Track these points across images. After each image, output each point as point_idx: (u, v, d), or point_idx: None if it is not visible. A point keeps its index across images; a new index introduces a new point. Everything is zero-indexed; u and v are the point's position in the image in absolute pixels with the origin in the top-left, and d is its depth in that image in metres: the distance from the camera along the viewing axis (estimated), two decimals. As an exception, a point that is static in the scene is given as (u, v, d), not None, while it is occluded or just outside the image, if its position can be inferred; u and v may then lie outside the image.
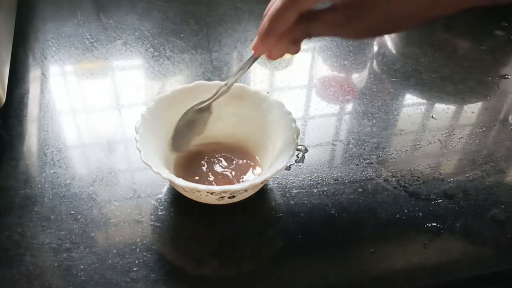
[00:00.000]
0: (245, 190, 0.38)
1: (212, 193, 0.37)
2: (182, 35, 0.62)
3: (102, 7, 0.67)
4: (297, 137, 0.39)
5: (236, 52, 0.60)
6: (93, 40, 0.61)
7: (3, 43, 0.51)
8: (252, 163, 0.43)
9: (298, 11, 0.33)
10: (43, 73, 0.55)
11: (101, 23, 0.64)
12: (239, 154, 0.44)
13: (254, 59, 0.37)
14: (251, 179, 0.41)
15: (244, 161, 0.43)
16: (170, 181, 0.37)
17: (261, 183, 0.37)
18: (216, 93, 0.40)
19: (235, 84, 0.43)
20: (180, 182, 0.36)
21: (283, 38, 0.34)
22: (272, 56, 0.36)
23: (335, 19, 0.33)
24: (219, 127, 0.44)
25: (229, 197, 0.38)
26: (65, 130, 0.48)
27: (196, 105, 0.41)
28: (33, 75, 0.55)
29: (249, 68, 0.38)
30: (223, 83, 0.40)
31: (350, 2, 0.33)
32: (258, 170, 0.43)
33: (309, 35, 0.34)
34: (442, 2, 0.33)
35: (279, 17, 0.33)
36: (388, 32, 0.36)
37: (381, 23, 0.33)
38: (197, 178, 0.41)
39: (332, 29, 0.34)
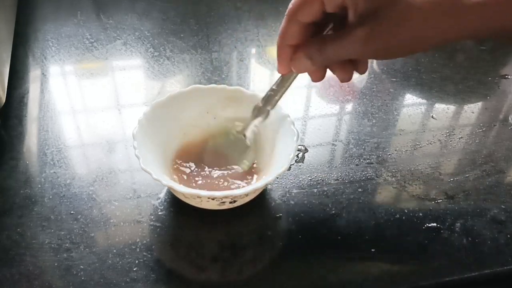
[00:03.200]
0: (246, 195, 0.38)
1: (213, 199, 0.37)
2: (182, 35, 0.62)
3: (102, 7, 0.67)
4: (297, 139, 0.39)
5: (236, 52, 0.60)
6: (93, 40, 0.61)
7: (3, 43, 0.51)
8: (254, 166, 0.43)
9: (299, 20, 0.33)
10: (43, 73, 0.55)
11: (101, 23, 0.64)
12: None
13: (283, 78, 0.38)
14: (253, 183, 0.41)
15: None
16: (170, 188, 0.37)
17: (263, 186, 0.37)
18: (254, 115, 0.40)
19: (232, 87, 0.43)
20: (181, 189, 0.36)
21: (299, 53, 0.34)
22: (296, 70, 0.36)
23: (351, 37, 0.31)
24: (217, 131, 0.44)
25: (230, 202, 0.38)
26: (65, 130, 0.48)
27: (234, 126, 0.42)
28: (33, 75, 0.55)
29: (286, 88, 0.39)
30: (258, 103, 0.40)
31: (367, 20, 0.31)
32: (256, 172, 0.42)
33: (325, 55, 0.33)
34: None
35: (283, 30, 0.34)
36: (410, 53, 0.34)
37: (405, 43, 0.31)
38: (197, 182, 0.41)
39: (347, 47, 0.32)
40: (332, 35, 0.34)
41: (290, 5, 0.33)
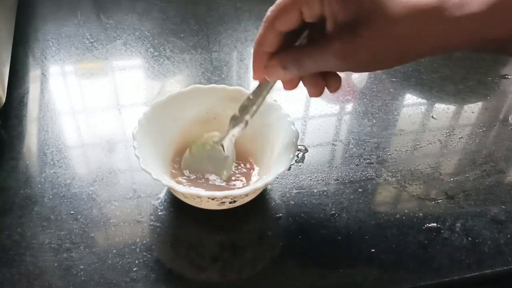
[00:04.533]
0: (246, 195, 0.38)
1: (213, 199, 0.37)
2: (182, 35, 0.62)
3: (102, 7, 0.67)
4: (297, 140, 0.39)
5: (236, 52, 0.60)
6: (93, 40, 0.61)
7: (3, 43, 0.51)
8: (251, 166, 0.43)
9: (276, 29, 0.32)
10: (43, 73, 0.56)
11: (101, 23, 0.64)
12: (237, 157, 0.43)
13: (260, 86, 0.37)
14: (252, 183, 0.41)
15: (242, 164, 0.43)
16: (170, 188, 0.37)
17: (263, 187, 0.37)
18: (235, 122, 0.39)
19: (232, 87, 0.43)
20: (181, 189, 0.36)
21: (273, 62, 0.34)
22: (269, 78, 0.35)
23: (328, 49, 0.31)
24: (217, 130, 0.44)
25: (230, 202, 0.38)
26: (65, 130, 0.48)
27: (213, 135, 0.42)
28: (33, 75, 0.55)
29: (264, 97, 0.37)
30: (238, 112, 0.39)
31: (346, 32, 0.30)
32: (256, 173, 0.42)
33: (301, 66, 0.33)
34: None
35: (260, 37, 0.33)
36: (390, 66, 0.32)
37: (385, 57, 0.30)
38: (197, 182, 0.41)
39: (324, 59, 0.31)
40: (309, 46, 0.33)
41: (268, 13, 0.32)
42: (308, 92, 0.36)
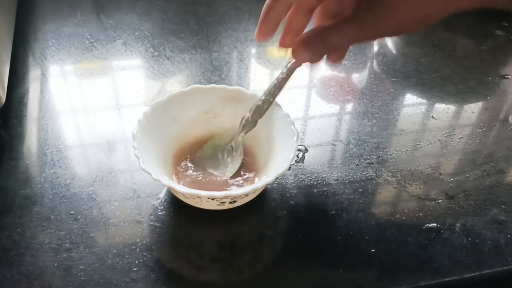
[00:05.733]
0: (246, 195, 0.38)
1: (213, 199, 0.37)
2: (182, 35, 0.62)
3: (102, 7, 0.67)
4: (297, 140, 0.39)
5: (236, 52, 0.60)
6: (93, 40, 0.61)
7: (3, 43, 0.51)
8: (250, 166, 0.43)
9: (302, 7, 0.33)
10: (43, 73, 0.56)
11: (101, 23, 0.64)
12: None
13: (275, 87, 0.39)
14: (252, 183, 0.41)
15: (242, 164, 0.43)
16: (170, 188, 0.37)
17: (263, 187, 0.37)
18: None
19: (232, 87, 0.43)
20: (181, 189, 0.36)
21: (300, 47, 0.35)
22: (296, 60, 0.37)
23: (355, 22, 0.31)
24: (217, 130, 0.44)
25: (230, 202, 0.38)
26: (65, 130, 0.48)
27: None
28: (33, 75, 0.55)
29: (286, 78, 0.39)
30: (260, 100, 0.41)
31: (371, 3, 0.31)
32: (256, 173, 0.42)
33: (329, 45, 0.33)
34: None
35: (268, 3, 0.34)
36: (413, 31, 0.34)
37: (407, 21, 0.31)
38: (197, 182, 0.41)
39: (346, 32, 0.32)
40: (333, 24, 0.33)
41: None
42: (330, 60, 0.37)
